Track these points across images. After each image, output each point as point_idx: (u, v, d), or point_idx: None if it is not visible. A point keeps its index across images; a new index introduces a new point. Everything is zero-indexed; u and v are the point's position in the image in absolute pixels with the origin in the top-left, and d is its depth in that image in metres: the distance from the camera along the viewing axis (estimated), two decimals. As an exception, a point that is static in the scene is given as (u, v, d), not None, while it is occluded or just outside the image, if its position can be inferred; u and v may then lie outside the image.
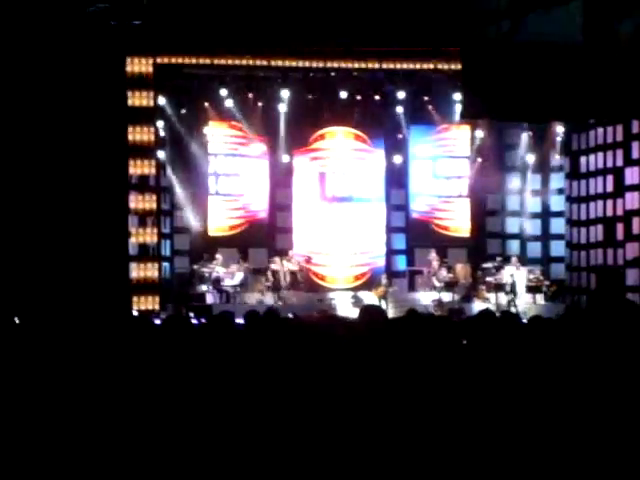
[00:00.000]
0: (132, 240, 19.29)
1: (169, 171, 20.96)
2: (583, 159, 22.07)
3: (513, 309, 19.33)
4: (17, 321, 7.99)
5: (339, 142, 22.51)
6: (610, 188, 20.92)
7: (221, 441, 5.01)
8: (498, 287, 20.78)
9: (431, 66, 20.08)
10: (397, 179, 22.76)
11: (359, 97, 21.58)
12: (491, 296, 20.80)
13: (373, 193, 22.60)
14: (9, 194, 17.76)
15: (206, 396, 5.37)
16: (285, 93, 21.02)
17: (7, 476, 4.86)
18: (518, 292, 20.58)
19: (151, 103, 19.41)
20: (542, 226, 23.12)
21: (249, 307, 18.72)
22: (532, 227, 22.96)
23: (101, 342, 6.64)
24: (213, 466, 4.92)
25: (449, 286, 20.87)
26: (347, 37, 19.42)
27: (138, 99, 19.24)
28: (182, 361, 5.96)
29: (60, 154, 17.86)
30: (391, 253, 22.73)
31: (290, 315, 11.23)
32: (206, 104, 21.13)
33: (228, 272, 20.47)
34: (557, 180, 22.97)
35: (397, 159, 22.48)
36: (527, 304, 20.55)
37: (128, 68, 19.03)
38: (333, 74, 20.50)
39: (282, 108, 21.27)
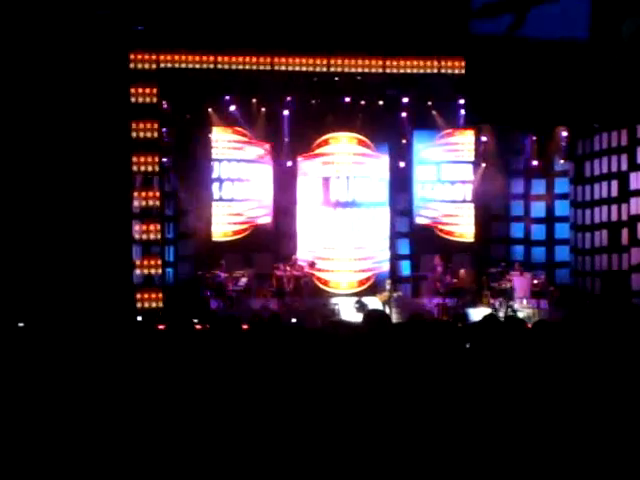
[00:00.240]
0: (136, 246, 19.28)
1: (173, 176, 20.96)
2: (588, 164, 22.04)
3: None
4: (21, 325, 8.00)
5: (343, 147, 22.50)
6: (615, 193, 20.88)
7: (225, 443, 4.99)
8: (502, 292, 20.74)
9: (435, 70, 20.04)
10: (401, 184, 22.73)
11: (363, 102, 21.59)
12: (495, 301, 20.75)
13: (377, 198, 22.58)
14: (12, 196, 17.78)
15: (210, 399, 5.36)
16: (289, 98, 21.03)
17: (9, 476, 4.85)
18: (516, 297, 20.56)
19: (155, 109, 19.42)
20: (547, 231, 23.08)
21: (253, 312, 18.73)
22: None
23: (106, 346, 6.64)
24: (218, 466, 4.90)
25: (453, 291, 20.83)
26: (350, 42, 19.43)
27: (142, 103, 19.27)
28: (186, 366, 5.95)
29: (64, 158, 17.90)
30: (395, 258, 22.70)
31: (294, 320, 11.24)
32: (210, 110, 21.15)
33: (232, 277, 20.46)
34: (562, 185, 22.94)
35: (401, 164, 22.47)
36: (531, 309, 20.51)
37: (132, 71, 19.06)
38: (337, 79, 20.50)
39: (286, 113, 21.28)
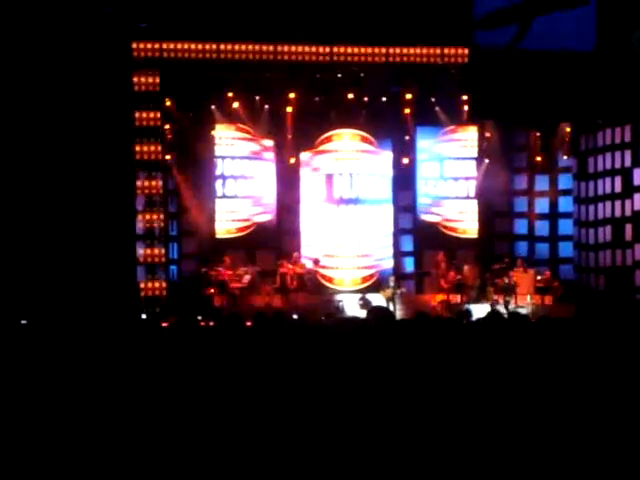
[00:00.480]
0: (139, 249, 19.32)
1: (176, 174, 20.95)
2: (591, 160, 22.01)
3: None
4: (24, 323, 8.00)
5: (346, 144, 22.48)
6: (618, 189, 20.86)
7: (230, 438, 4.99)
8: (506, 288, 20.72)
9: (438, 67, 20.02)
10: (404, 181, 22.71)
11: (366, 99, 21.55)
12: (499, 297, 20.74)
13: (380, 195, 22.56)
14: (16, 193, 17.80)
15: (215, 395, 5.36)
16: (292, 95, 21.01)
17: (12, 475, 4.86)
18: (519, 294, 20.58)
19: (158, 106, 19.41)
20: (550, 227, 23.05)
21: (257, 310, 18.73)
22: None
23: (110, 344, 6.64)
24: (224, 460, 4.90)
25: (457, 288, 20.82)
26: (354, 36, 19.41)
27: (144, 95, 19.28)
28: (190, 363, 5.95)
29: (67, 162, 17.92)
30: (399, 255, 22.68)
31: (295, 316, 11.22)
32: (213, 107, 21.13)
33: (235, 275, 20.46)
34: (565, 181, 22.91)
35: (404, 160, 22.45)
36: (535, 305, 20.51)
37: (135, 71, 19.06)
38: (340, 75, 20.47)
39: (289, 110, 21.27)
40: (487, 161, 22.60)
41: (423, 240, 22.66)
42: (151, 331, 7.41)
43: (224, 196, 21.82)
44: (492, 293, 20.66)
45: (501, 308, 19.38)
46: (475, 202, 22.90)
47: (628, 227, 20.42)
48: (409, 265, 22.75)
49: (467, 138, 22.82)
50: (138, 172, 19.40)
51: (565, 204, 22.91)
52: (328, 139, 22.39)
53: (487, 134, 22.50)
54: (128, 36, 18.58)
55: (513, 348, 6.09)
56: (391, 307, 19.42)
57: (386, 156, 22.56)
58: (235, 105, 21.00)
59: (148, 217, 19.49)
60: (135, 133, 19.18)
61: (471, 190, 22.92)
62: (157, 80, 19.35)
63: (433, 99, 21.74)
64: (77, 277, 17.56)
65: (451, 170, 22.95)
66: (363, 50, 19.94)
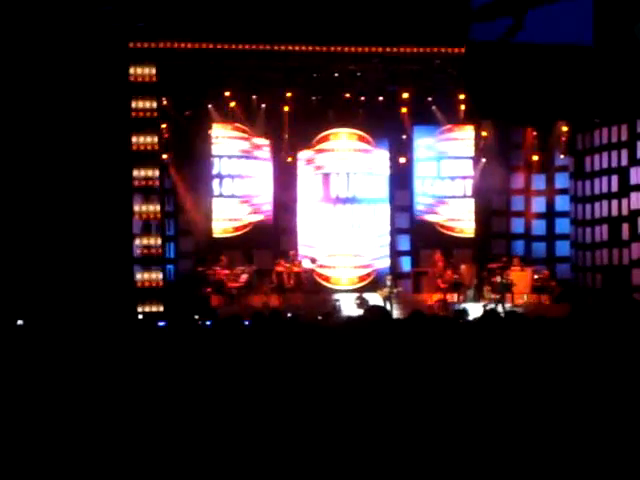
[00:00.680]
0: (136, 242, 19.25)
1: (173, 173, 20.95)
2: (588, 159, 22.02)
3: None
4: (21, 323, 8.00)
5: (343, 143, 22.49)
6: (615, 188, 20.87)
7: (228, 438, 4.99)
8: (503, 287, 20.74)
9: (435, 66, 20.00)
10: (401, 180, 22.72)
11: (363, 98, 21.56)
12: (495, 297, 20.76)
13: (377, 194, 22.56)
14: (14, 199, 17.78)
15: (212, 395, 5.36)
16: (289, 94, 21.01)
17: (9, 475, 4.85)
18: (512, 293, 20.61)
19: (155, 105, 19.37)
20: (547, 226, 23.07)
21: (254, 309, 18.73)
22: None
23: (106, 344, 6.63)
24: (222, 461, 4.90)
25: (454, 287, 20.83)
26: (350, 35, 19.40)
27: (142, 101, 19.21)
28: (187, 363, 5.94)
29: (64, 159, 17.89)
30: (396, 254, 22.69)
31: (289, 315, 11.22)
32: (210, 106, 21.12)
33: (232, 274, 20.46)
34: (562, 180, 22.93)
35: (401, 160, 22.45)
36: (529, 304, 20.54)
37: (132, 71, 19.01)
38: (336, 75, 20.46)
39: (286, 109, 21.26)
40: (484, 160, 22.61)
41: (420, 239, 22.67)
42: (147, 330, 7.41)
43: (221, 195, 21.82)
44: (489, 292, 20.67)
45: (494, 307, 19.38)
46: (472, 201, 22.91)
47: (625, 226, 20.44)
48: (406, 264, 22.75)
49: (464, 137, 22.83)
50: (134, 170, 19.35)
51: (562, 203, 22.93)
52: (325, 138, 22.39)
53: (484, 133, 22.50)
54: (125, 36, 18.56)
55: (509, 347, 6.09)
56: (388, 306, 19.43)
57: (383, 155, 22.56)
58: (232, 104, 20.99)
59: (145, 216, 19.44)
60: (132, 126, 19.09)
61: (468, 189, 22.92)
62: (154, 79, 19.31)
63: (430, 98, 21.75)
64: (73, 277, 17.54)
65: (448, 169, 22.95)
66: (360, 50, 19.91)
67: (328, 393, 5.32)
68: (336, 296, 20.99)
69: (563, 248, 22.84)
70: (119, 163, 18.54)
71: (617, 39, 18.06)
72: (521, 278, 20.97)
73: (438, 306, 19.92)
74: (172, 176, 20.93)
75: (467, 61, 19.58)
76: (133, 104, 19.05)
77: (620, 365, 5.84)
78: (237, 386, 5.47)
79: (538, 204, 23.11)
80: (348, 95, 21.28)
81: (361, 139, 22.50)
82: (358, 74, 20.51)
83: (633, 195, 20.15)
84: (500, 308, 19.46)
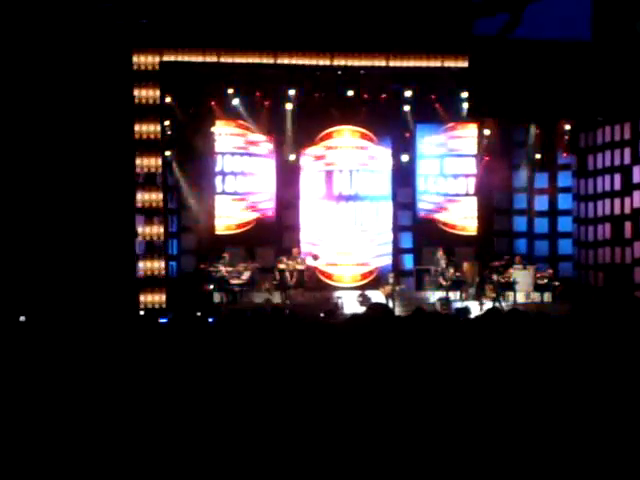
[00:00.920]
0: (139, 239, 19.27)
1: (176, 170, 20.96)
2: (591, 157, 22.02)
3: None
4: (23, 319, 8.00)
5: (346, 141, 22.49)
6: (618, 186, 20.87)
7: (228, 437, 5.00)
8: (505, 285, 20.76)
9: (438, 63, 19.97)
10: (404, 178, 22.72)
11: (366, 96, 21.55)
12: (498, 294, 20.77)
13: (380, 191, 22.57)
14: (16, 193, 17.79)
15: (213, 393, 5.36)
16: (292, 92, 21.01)
17: (8, 475, 4.86)
18: (515, 291, 20.64)
19: (158, 102, 19.38)
20: (550, 224, 23.06)
21: (256, 306, 18.74)
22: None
23: (108, 340, 6.64)
24: (222, 458, 4.91)
25: (456, 285, 20.84)
26: (354, 35, 19.39)
27: (145, 98, 19.23)
28: (189, 359, 5.95)
29: (67, 152, 17.90)
30: (398, 252, 22.70)
31: (287, 312, 11.23)
32: (213, 103, 21.13)
33: (235, 271, 20.48)
34: (565, 178, 22.92)
35: (404, 157, 22.45)
36: (534, 302, 20.54)
37: (135, 67, 19.02)
38: (340, 73, 20.46)
39: (289, 107, 21.27)
40: (487, 158, 22.60)
41: (422, 237, 22.68)
42: (149, 327, 7.41)
43: (224, 192, 21.85)
44: (490, 290, 20.67)
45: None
46: (475, 199, 22.91)
47: (627, 225, 20.44)
48: (408, 262, 22.76)
49: (467, 135, 22.83)
50: (137, 170, 19.38)
51: (565, 201, 22.92)
52: (328, 136, 22.40)
53: (487, 131, 22.50)
54: (129, 39, 18.55)
55: (511, 345, 6.09)
56: (390, 304, 19.43)
57: (386, 153, 22.56)
58: (235, 101, 21.00)
59: (147, 205, 19.42)
60: (135, 140, 19.13)
61: (471, 187, 22.93)
62: (157, 85, 19.31)
63: (433, 96, 21.73)
64: (76, 276, 17.55)
65: (451, 167, 22.95)
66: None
67: (330, 390, 5.33)
68: (338, 293, 21.01)
69: (566, 246, 22.84)
70: (122, 159, 18.54)
71: (617, 35, 18.03)
72: (523, 276, 20.97)
73: (440, 304, 19.93)
74: (175, 173, 20.95)
75: (470, 61, 19.59)
76: (136, 93, 19.05)
77: (622, 363, 5.84)
78: (239, 383, 5.48)
79: (541, 202, 23.10)
80: (351, 93, 21.28)
81: (364, 137, 22.50)
82: (361, 72, 20.50)
83: (636, 193, 20.15)
84: (498, 305, 19.45)
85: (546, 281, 21.05)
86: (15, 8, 17.40)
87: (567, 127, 22.31)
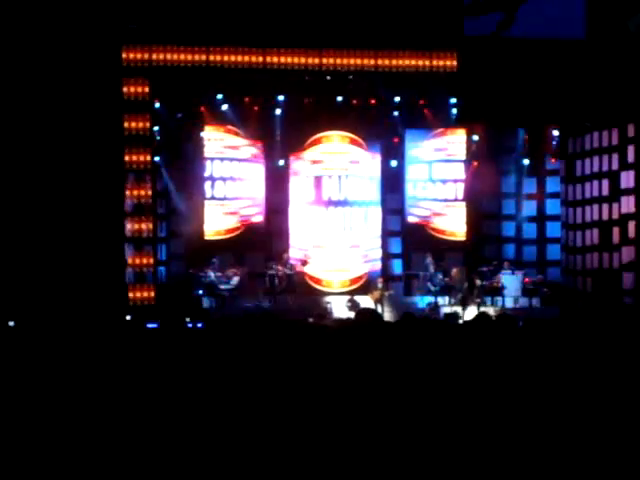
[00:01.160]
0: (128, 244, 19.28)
1: (165, 175, 20.94)
2: (579, 163, 22.10)
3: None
4: (12, 324, 7.99)
5: (335, 146, 22.51)
6: (606, 192, 20.94)
7: (219, 440, 5.00)
8: (494, 291, 20.81)
9: (427, 62, 19.98)
10: (393, 183, 22.75)
11: (355, 101, 21.57)
12: (487, 300, 20.82)
13: (369, 197, 22.59)
14: (4, 199, 17.75)
15: (202, 398, 5.37)
16: (281, 97, 21.04)
17: (6, 476, 4.85)
18: (503, 296, 20.70)
19: (147, 108, 19.39)
20: (538, 230, 23.12)
21: (245, 311, 18.72)
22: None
23: (97, 345, 6.63)
24: (213, 461, 4.92)
25: (445, 290, 20.87)
26: (342, 37, 19.43)
27: (134, 99, 19.25)
28: (178, 365, 5.95)
29: (55, 155, 17.88)
30: (387, 257, 22.72)
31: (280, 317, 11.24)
32: (202, 108, 21.12)
33: (224, 276, 20.46)
34: (553, 184, 22.98)
35: (393, 163, 22.48)
36: (522, 307, 20.59)
37: (124, 70, 19.05)
38: (329, 78, 20.48)
39: (278, 112, 21.29)
40: (475, 164, 22.65)
41: (411, 242, 22.70)
42: (138, 332, 7.41)
43: (213, 198, 21.83)
44: (479, 295, 20.70)
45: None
46: (463, 204, 22.94)
47: (615, 230, 20.50)
48: (397, 267, 22.78)
49: (455, 141, 22.87)
50: (127, 173, 19.37)
51: (553, 207, 22.99)
52: (317, 141, 22.42)
53: (475, 137, 22.54)
54: (118, 39, 18.55)
55: (500, 350, 6.11)
56: (379, 309, 19.44)
57: (375, 158, 22.59)
58: (224, 107, 21.00)
59: (137, 218, 19.45)
60: (124, 142, 19.15)
61: (459, 192, 22.96)
62: (146, 81, 19.32)
63: (422, 102, 21.77)
64: (65, 279, 17.52)
65: (439, 172, 22.98)
66: (352, 61, 19.92)
67: (319, 395, 5.33)
68: (327, 298, 21.02)
69: (554, 251, 22.89)
70: (111, 161, 18.54)
71: (610, 33, 18.07)
72: (512, 281, 21.02)
73: (429, 309, 19.95)
74: (164, 178, 20.92)
75: (459, 65, 19.63)
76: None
77: (610, 367, 5.87)
78: (228, 388, 5.48)
79: (529, 208, 23.15)
80: (340, 98, 21.31)
81: (353, 142, 22.53)
82: (350, 77, 20.52)
83: (624, 199, 20.21)
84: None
85: (534, 286, 21.10)
86: (5, 5, 17.37)
87: (555, 133, 22.39)
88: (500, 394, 5.40)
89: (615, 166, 20.59)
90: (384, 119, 21.95)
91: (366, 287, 21.63)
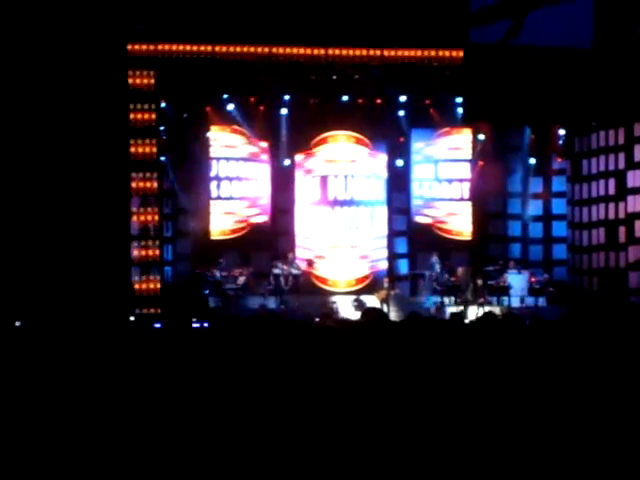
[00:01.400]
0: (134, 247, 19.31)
1: (171, 175, 20.97)
2: (585, 162, 22.06)
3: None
4: (18, 324, 8.00)
5: (341, 146, 22.50)
6: (612, 191, 20.90)
7: (221, 441, 5.01)
8: (500, 290, 20.79)
9: (432, 57, 19.97)
10: (399, 182, 22.74)
11: (361, 101, 21.57)
12: (492, 299, 20.81)
13: (375, 197, 22.58)
14: (13, 203, 17.78)
15: (207, 398, 5.37)
16: (287, 97, 21.05)
17: (7, 476, 4.87)
18: (509, 295, 20.69)
19: (153, 107, 19.39)
20: (544, 229, 23.09)
21: (251, 311, 18.74)
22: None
23: (103, 346, 6.65)
24: (216, 462, 4.92)
25: (451, 289, 20.85)
26: (349, 35, 19.42)
27: (140, 104, 19.26)
28: (183, 365, 5.96)
29: (64, 161, 17.91)
30: (393, 257, 22.71)
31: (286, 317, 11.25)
32: (208, 108, 21.14)
33: (230, 276, 20.48)
34: (559, 183, 22.95)
35: (399, 162, 22.48)
36: (528, 307, 20.57)
37: (130, 73, 19.05)
38: (335, 77, 20.48)
39: (284, 112, 21.29)
40: (481, 163, 22.63)
41: (417, 242, 22.68)
42: (144, 332, 7.42)
43: (219, 197, 21.85)
44: (486, 295, 20.69)
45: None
46: (469, 204, 22.93)
47: (621, 229, 20.47)
48: (403, 267, 22.77)
49: (461, 140, 22.85)
50: (133, 173, 19.39)
51: (559, 206, 22.96)
52: (323, 141, 22.41)
53: (481, 136, 22.52)
54: (124, 37, 18.57)
55: (506, 349, 6.11)
56: (385, 309, 19.44)
57: (381, 158, 22.58)
58: (230, 107, 21.02)
59: (143, 218, 19.48)
60: (130, 133, 19.17)
61: (465, 192, 22.95)
62: (152, 81, 19.34)
63: (428, 101, 21.77)
64: (71, 279, 17.54)
65: (445, 172, 22.97)
66: (358, 52, 19.90)
67: (325, 395, 5.34)
68: (333, 298, 21.02)
69: (560, 251, 22.86)
70: (117, 168, 18.56)
71: (619, 40, 18.04)
72: (517, 281, 21.00)
73: (435, 309, 19.94)
74: (170, 178, 20.95)
75: (465, 65, 19.62)
76: (131, 107, 19.10)
77: (616, 367, 5.86)
78: (233, 388, 5.49)
79: (535, 207, 23.13)
80: (346, 98, 21.31)
81: (359, 142, 22.52)
82: (356, 77, 20.52)
83: (630, 198, 20.18)
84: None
85: (540, 286, 21.08)
86: (12, 16, 17.40)
87: (561, 132, 22.37)
88: (506, 394, 5.40)
89: (621, 165, 20.55)
90: (390, 119, 21.94)
91: (372, 287, 21.63)
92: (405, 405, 5.23)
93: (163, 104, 20.08)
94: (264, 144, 22.07)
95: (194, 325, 11.63)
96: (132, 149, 19.19)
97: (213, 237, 21.68)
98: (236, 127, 21.68)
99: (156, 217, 19.64)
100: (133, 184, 19.31)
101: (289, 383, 5.49)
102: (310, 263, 21.74)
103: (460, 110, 21.70)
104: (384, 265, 22.47)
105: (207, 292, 20.17)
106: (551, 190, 23.04)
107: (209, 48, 19.33)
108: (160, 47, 19.17)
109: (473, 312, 19.38)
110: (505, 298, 20.81)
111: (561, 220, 22.91)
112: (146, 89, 19.32)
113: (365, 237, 22.54)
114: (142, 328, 7.63)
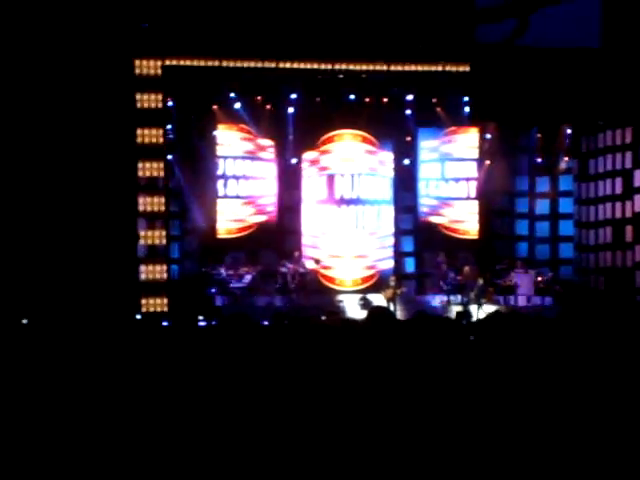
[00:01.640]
0: (141, 242, 19.28)
1: (178, 174, 21.00)
2: (592, 161, 22.05)
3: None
4: (25, 322, 8.02)
5: (347, 144, 22.51)
6: (619, 190, 20.89)
7: (227, 440, 5.02)
8: (506, 289, 20.79)
9: (439, 68, 19.97)
10: (405, 181, 22.74)
11: (367, 99, 21.59)
12: (499, 298, 20.80)
13: (381, 195, 22.58)
14: (18, 197, 17.82)
15: (214, 395, 5.38)
16: (293, 96, 21.06)
17: (9, 475, 4.88)
18: (516, 294, 20.68)
19: (160, 106, 19.39)
20: (551, 228, 23.08)
21: (257, 310, 18.76)
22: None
23: (110, 344, 6.66)
24: (222, 461, 4.93)
25: (457, 288, 20.85)
26: (355, 39, 19.40)
27: (147, 102, 19.23)
28: (190, 362, 5.97)
29: (70, 157, 17.93)
30: (400, 255, 22.71)
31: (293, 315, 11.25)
32: (215, 107, 21.17)
33: (237, 274, 20.50)
34: (566, 182, 22.94)
35: (406, 161, 22.48)
36: (535, 306, 20.56)
37: (137, 71, 19.03)
38: (341, 76, 20.49)
39: (290, 111, 21.31)
40: (488, 162, 22.62)
41: (424, 241, 22.69)
42: (151, 330, 7.44)
43: (226, 196, 21.86)
44: (492, 294, 20.68)
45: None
46: (476, 203, 22.93)
47: (628, 228, 20.45)
48: (409, 266, 22.78)
49: (468, 139, 22.85)
50: (139, 169, 19.40)
51: (566, 205, 22.95)
52: (329, 140, 22.42)
53: (488, 135, 22.52)
54: (131, 43, 18.58)
55: (512, 348, 6.11)
56: (391, 307, 19.44)
57: (387, 157, 22.59)
58: (237, 106, 21.04)
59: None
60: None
61: (472, 191, 22.94)
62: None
63: (434, 100, 21.76)
64: (78, 276, 17.58)
65: (452, 171, 22.97)
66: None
67: (332, 394, 5.35)
68: (340, 297, 21.03)
69: (567, 250, 22.85)
70: (124, 163, 18.57)
71: (626, 39, 18.02)
72: (524, 280, 20.99)
73: (441, 307, 19.94)
74: (177, 176, 20.98)
75: (472, 65, 19.60)
76: (138, 97, 19.07)
77: (622, 367, 5.86)
78: (240, 385, 5.50)
79: (542, 206, 23.11)
80: (353, 97, 21.31)
81: (365, 140, 22.52)
82: (363, 76, 20.52)
83: (637, 197, 20.16)
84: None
85: (547, 285, 21.07)
86: (17, 13, 17.44)
87: (568, 131, 22.35)
88: (514, 392, 5.40)
89: (628, 164, 20.54)
90: (397, 118, 21.94)
91: (378, 286, 21.63)
92: (412, 403, 5.24)
93: (170, 103, 20.09)
94: (271, 143, 22.09)
95: (200, 323, 11.65)
96: (139, 139, 19.16)
97: (220, 235, 21.71)
98: (243, 126, 21.70)
99: (162, 208, 19.53)
100: (139, 174, 19.26)
101: (296, 381, 5.50)
102: (316, 262, 21.75)
103: (467, 109, 21.69)
104: (391, 264, 22.48)
105: (213, 291, 20.19)
106: (558, 189, 23.03)
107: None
108: (167, 55, 19.14)
109: (479, 311, 19.38)
110: (511, 297, 20.80)
111: (568, 219, 22.90)
112: (154, 88, 19.29)
113: (371, 236, 22.54)
114: (149, 325, 7.64)
